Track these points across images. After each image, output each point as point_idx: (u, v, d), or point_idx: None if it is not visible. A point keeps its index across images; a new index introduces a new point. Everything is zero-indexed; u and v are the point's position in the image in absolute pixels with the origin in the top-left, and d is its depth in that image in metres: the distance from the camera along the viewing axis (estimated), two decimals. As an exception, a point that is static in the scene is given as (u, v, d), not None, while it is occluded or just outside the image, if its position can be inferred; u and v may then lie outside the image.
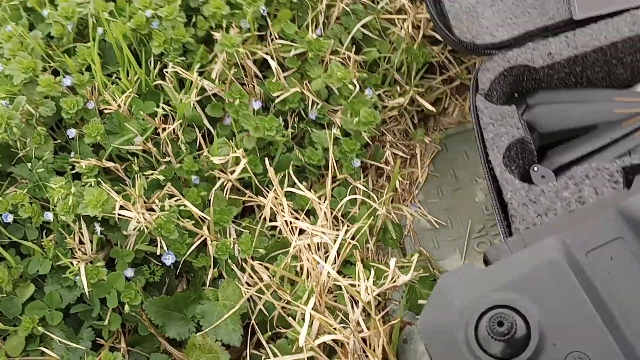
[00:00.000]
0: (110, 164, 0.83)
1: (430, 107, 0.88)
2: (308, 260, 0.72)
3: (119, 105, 0.84)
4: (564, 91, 0.73)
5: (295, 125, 0.88)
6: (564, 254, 0.40)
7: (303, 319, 0.69)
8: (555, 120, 0.72)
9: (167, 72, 0.86)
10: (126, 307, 0.77)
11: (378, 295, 0.77)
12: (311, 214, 0.83)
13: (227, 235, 0.81)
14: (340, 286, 0.71)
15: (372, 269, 0.71)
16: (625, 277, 0.39)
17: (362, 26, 0.89)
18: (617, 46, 0.69)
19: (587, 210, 0.44)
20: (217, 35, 0.86)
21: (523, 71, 0.71)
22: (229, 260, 0.79)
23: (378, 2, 0.92)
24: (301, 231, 0.79)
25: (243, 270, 0.79)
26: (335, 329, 0.66)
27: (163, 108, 0.84)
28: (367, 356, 0.67)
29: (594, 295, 0.39)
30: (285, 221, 0.77)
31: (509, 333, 0.36)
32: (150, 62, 0.87)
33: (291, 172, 0.83)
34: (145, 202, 0.80)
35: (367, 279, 0.69)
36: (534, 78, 0.72)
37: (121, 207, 0.78)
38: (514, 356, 0.37)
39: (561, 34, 0.71)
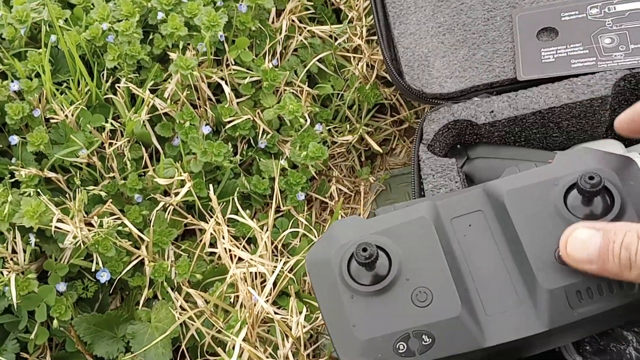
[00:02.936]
0: (52, 175, 0.81)
1: (377, 147, 0.90)
2: (244, 290, 0.72)
3: (66, 116, 0.83)
4: (503, 148, 0.76)
5: (244, 152, 0.88)
6: (433, 215, 0.49)
7: (233, 349, 0.70)
8: (492, 174, 0.75)
9: (119, 87, 0.85)
10: (55, 322, 0.76)
11: (311, 329, 0.78)
12: (252, 242, 0.84)
13: (165, 257, 0.81)
14: (274, 320, 0.72)
15: (305, 305, 0.73)
16: (477, 241, 0.48)
17: (318, 61, 0.91)
18: (555, 111, 0.72)
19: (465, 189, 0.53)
20: (173, 55, 0.86)
21: (466, 125, 0.74)
22: (165, 283, 0.79)
23: (336, 39, 0.93)
24: (240, 259, 0.80)
25: (179, 293, 0.79)
26: (263, 362, 0.67)
27: (112, 123, 0.83)
28: (292, 391, 0.68)
29: (449, 251, 0.48)
30: (225, 248, 0.78)
31: (370, 258, 0.44)
32: (103, 76, 0.86)
33: (236, 199, 0.83)
34: (84, 217, 0.79)
35: (300, 314, 0.70)
36: (476, 133, 0.75)
37: (59, 220, 0.77)
38: (375, 284, 0.46)
39: (504, 93, 0.75)
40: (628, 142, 0.78)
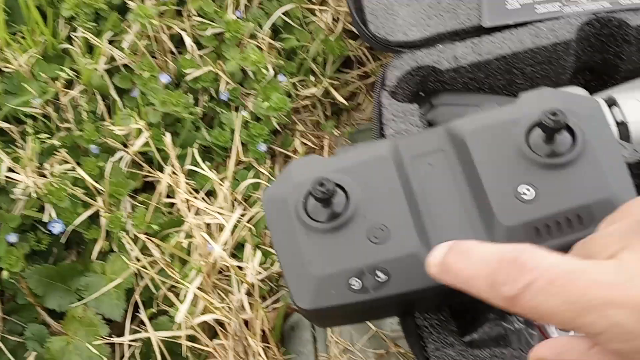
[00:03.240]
0: (4, 125, 0.79)
1: (342, 100, 0.89)
2: (200, 239, 0.70)
3: (20, 65, 0.81)
4: (467, 95, 0.75)
5: (206, 104, 0.86)
6: (393, 154, 0.48)
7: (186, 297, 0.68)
8: (456, 122, 0.74)
9: (76, 36, 0.83)
10: (4, 273, 0.73)
11: (270, 281, 0.77)
12: (213, 195, 0.82)
13: (122, 209, 0.79)
14: (230, 268, 0.70)
15: (260, 251, 0.71)
16: (437, 180, 0.47)
17: (283, 13, 0.89)
18: (519, 56, 0.71)
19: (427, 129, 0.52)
20: (132, 4, 0.83)
21: (429, 72, 0.73)
22: (121, 234, 0.77)
23: (301, -9, 0.91)
24: (200, 212, 0.78)
25: (135, 245, 0.76)
26: (217, 309, 0.65)
27: (67, 73, 0.81)
28: (247, 338, 0.66)
29: (408, 189, 0.47)
30: (183, 199, 0.76)
31: (327, 193, 0.43)
32: (59, 25, 0.84)
33: (195, 151, 0.81)
34: (38, 168, 0.77)
35: (253, 261, 0.68)
36: (440, 80, 0.73)
37: (9, 169, 0.74)
38: (332, 220, 0.45)
39: (469, 39, 0.73)
40: (592, 90, 0.77)
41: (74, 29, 0.84)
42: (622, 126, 0.65)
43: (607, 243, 0.32)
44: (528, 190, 0.44)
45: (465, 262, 0.34)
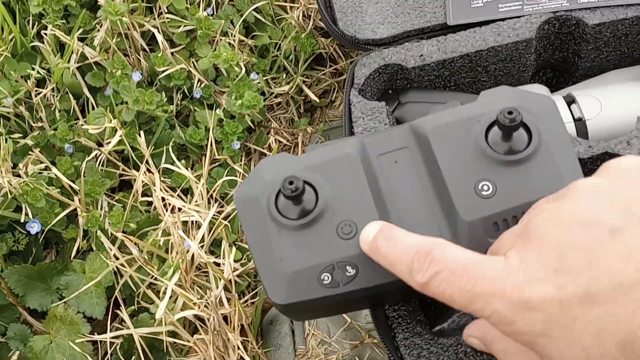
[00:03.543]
0: (-24, 125, 0.79)
1: (314, 98, 0.90)
2: (176, 237, 0.72)
3: (-10, 65, 0.81)
4: (433, 92, 0.77)
5: (180, 102, 0.87)
6: (360, 152, 0.49)
7: (165, 294, 0.70)
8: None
9: (45, 34, 0.83)
10: (-17, 275, 0.74)
11: (248, 276, 0.79)
12: (190, 193, 0.83)
13: (99, 208, 0.80)
14: (207, 265, 0.72)
15: (235, 247, 0.73)
16: (402, 177, 0.49)
17: (255, 10, 0.90)
18: (482, 54, 0.73)
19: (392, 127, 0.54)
20: (102, 1, 0.83)
21: (397, 70, 0.75)
22: (99, 233, 0.78)
23: (272, -12, 0.93)
24: (177, 210, 0.80)
25: (113, 243, 0.78)
26: (195, 305, 0.68)
27: (38, 71, 0.81)
28: (226, 333, 0.69)
29: (375, 186, 0.48)
30: (159, 197, 0.77)
31: (296, 191, 0.44)
32: (29, 22, 0.84)
33: (170, 149, 0.83)
34: (12, 168, 0.78)
35: (229, 257, 0.71)
36: (407, 77, 0.76)
37: (-16, 171, 0.75)
38: (302, 217, 0.47)
39: (434, 37, 0.75)
40: (553, 87, 0.80)
41: (44, 27, 0.84)
42: (580, 123, 0.68)
43: (505, 241, 0.38)
44: (487, 186, 0.46)
45: (392, 248, 0.40)
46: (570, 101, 0.70)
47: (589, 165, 0.63)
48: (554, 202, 0.37)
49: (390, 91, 0.78)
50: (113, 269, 0.74)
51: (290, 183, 0.45)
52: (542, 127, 0.47)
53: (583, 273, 0.32)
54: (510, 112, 0.44)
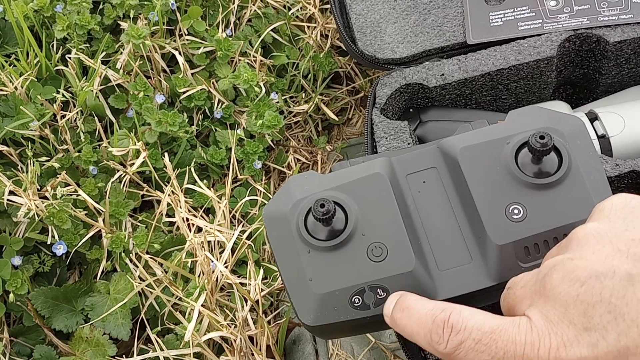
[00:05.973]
0: (2, 147, 0.80)
1: (333, 116, 0.91)
2: (202, 257, 0.73)
3: (15, 88, 0.82)
4: (454, 110, 0.78)
5: (200, 123, 0.88)
6: (388, 171, 0.50)
7: (191, 315, 0.70)
8: (444, 136, 0.75)
9: (70, 58, 0.84)
10: (11, 296, 0.75)
11: (271, 296, 0.79)
12: (211, 213, 0.84)
13: (123, 229, 0.81)
14: (233, 285, 0.72)
15: (262, 268, 0.73)
16: (431, 198, 0.49)
17: (272, 30, 0.91)
18: (503, 73, 0.74)
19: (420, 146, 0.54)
20: (124, 25, 0.85)
21: (418, 89, 0.75)
22: (123, 254, 0.79)
23: (289, 9, 0.93)
24: (199, 229, 0.80)
25: (137, 264, 0.78)
26: (222, 326, 0.68)
27: (63, 95, 0.82)
28: (253, 354, 0.69)
29: (403, 206, 0.49)
30: (183, 217, 0.78)
31: (327, 214, 0.45)
32: (53, 47, 0.85)
33: (192, 169, 0.83)
34: (38, 190, 0.78)
35: (257, 277, 0.71)
36: (428, 96, 0.76)
37: (11, 193, 0.75)
38: (332, 239, 0.47)
39: (454, 56, 0.76)
40: (574, 103, 0.81)
41: (68, 51, 0.85)
42: (604, 140, 0.69)
43: (522, 297, 0.37)
44: (518, 209, 0.47)
45: (407, 320, 0.40)
46: (592, 118, 0.70)
47: (616, 184, 0.63)
48: (563, 256, 0.37)
49: (411, 110, 0.78)
50: (138, 290, 0.74)
51: (322, 206, 0.45)
52: (572, 149, 0.48)
53: (611, 328, 0.32)
54: (542, 137, 0.44)
